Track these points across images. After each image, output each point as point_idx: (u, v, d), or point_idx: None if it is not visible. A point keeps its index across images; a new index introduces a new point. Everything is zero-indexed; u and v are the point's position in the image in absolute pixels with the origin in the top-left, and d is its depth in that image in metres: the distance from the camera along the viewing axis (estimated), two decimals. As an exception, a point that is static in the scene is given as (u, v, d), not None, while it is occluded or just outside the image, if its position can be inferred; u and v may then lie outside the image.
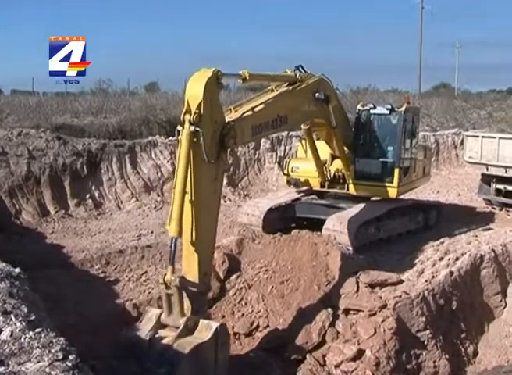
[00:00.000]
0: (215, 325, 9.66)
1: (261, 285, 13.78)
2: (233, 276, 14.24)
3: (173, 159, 23.72)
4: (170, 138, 24.94)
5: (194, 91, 9.74)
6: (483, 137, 22.51)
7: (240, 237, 15.76)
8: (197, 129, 9.59)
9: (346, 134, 16.94)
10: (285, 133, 20.16)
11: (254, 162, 26.26)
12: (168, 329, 9.60)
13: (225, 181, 24.27)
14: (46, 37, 16.80)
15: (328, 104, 15.20)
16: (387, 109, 17.39)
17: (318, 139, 16.98)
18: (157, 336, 9.43)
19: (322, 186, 17.66)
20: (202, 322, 9.61)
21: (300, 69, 14.15)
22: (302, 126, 16.32)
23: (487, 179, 22.73)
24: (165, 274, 9.52)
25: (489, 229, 19.36)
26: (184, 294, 9.55)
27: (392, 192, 17.15)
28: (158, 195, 22.84)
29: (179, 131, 9.82)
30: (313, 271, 13.60)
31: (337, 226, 15.92)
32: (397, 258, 15.87)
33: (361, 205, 17.02)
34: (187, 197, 9.78)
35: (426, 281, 13.93)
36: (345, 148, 17.05)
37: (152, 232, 18.47)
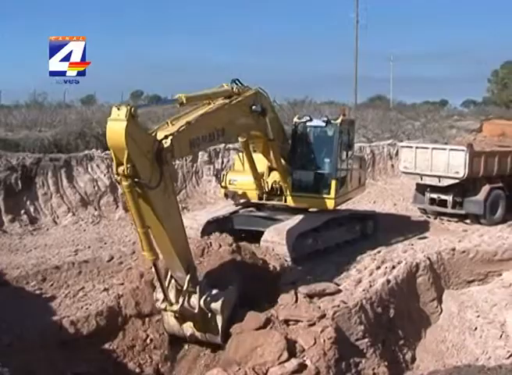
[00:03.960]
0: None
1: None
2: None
3: (110, 173, 23.44)
4: (107, 152, 24.63)
5: (117, 145, 9.65)
6: (417, 147, 22.98)
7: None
8: (136, 179, 9.77)
9: (283, 146, 17.06)
10: (222, 146, 20.22)
11: (191, 174, 26.12)
12: None
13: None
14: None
15: (265, 116, 15.29)
16: (323, 121, 17.57)
17: (254, 151, 17.04)
18: None
19: (260, 198, 17.70)
20: None
21: (237, 82, 14.21)
22: (239, 138, 16.35)
23: (421, 188, 23.19)
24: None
25: (424, 237, 19.78)
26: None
27: (330, 203, 17.32)
28: (95, 209, 22.50)
29: (117, 181, 10.03)
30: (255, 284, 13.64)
31: (275, 237, 16.01)
32: (335, 268, 16.04)
33: (299, 217, 17.16)
34: (153, 226, 10.49)
35: (364, 290, 14.12)
36: (282, 160, 17.15)
37: (89, 247, 18.16)
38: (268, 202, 17.83)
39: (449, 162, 21.46)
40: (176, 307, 11.82)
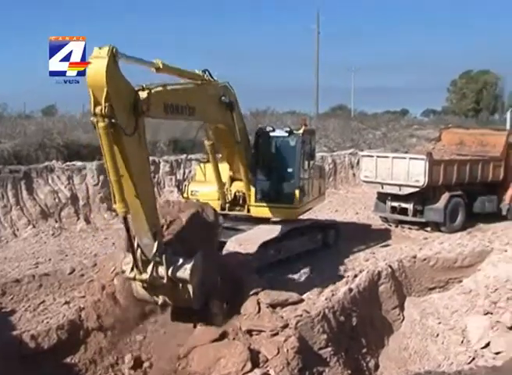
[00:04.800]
0: None
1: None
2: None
3: (71, 184, 23.24)
4: (67, 163, 24.45)
5: (96, 82, 9.65)
6: (378, 156, 23.26)
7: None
8: (112, 121, 9.72)
9: (247, 155, 17.08)
10: (184, 156, 20.14)
11: (153, 185, 25.97)
12: None
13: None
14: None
15: (233, 111, 15.34)
16: (286, 132, 17.69)
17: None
18: None
19: (223, 208, 17.67)
20: None
21: (207, 73, 14.21)
22: (206, 142, 16.35)
23: (382, 197, 23.43)
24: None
25: (386, 245, 19.99)
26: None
27: (293, 213, 17.46)
28: (56, 222, 22.24)
29: (93, 123, 9.87)
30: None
31: (237, 248, 15.98)
32: (297, 277, 16.08)
33: (261, 227, 17.18)
34: (124, 177, 10.32)
35: (326, 299, 14.15)
36: (246, 169, 17.15)
37: (50, 260, 17.92)
38: (230, 213, 17.80)
39: (409, 171, 21.73)
40: (145, 276, 11.68)
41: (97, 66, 9.69)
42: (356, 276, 15.76)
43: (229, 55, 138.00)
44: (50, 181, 23.42)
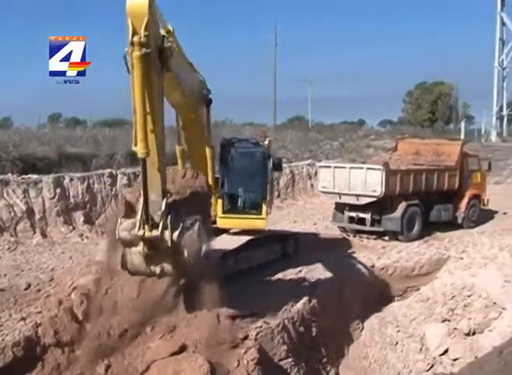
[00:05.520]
0: None
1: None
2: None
3: (27, 198, 22.86)
4: (23, 176, 24.07)
5: (138, 9, 9.55)
6: (335, 167, 23.43)
7: (98, 276, 15.39)
8: (148, 51, 9.62)
9: (213, 164, 17.09)
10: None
11: (110, 198, 25.69)
12: None
13: (81, 219, 23.74)
14: None
15: (209, 106, 15.35)
16: (252, 143, 17.95)
17: None
18: None
19: None
20: None
21: None
22: (177, 147, 16.23)
23: (340, 207, 23.60)
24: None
25: (345, 255, 20.06)
26: None
27: (261, 223, 17.47)
28: (12, 236, 21.81)
29: (126, 55, 9.75)
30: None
31: (197, 259, 15.88)
32: (257, 288, 16.05)
33: (220, 238, 17.12)
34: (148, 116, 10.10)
35: (286, 310, 14.18)
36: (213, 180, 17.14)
37: (5, 275, 17.53)
38: None
39: (366, 181, 21.93)
40: (155, 232, 10.94)
41: None
42: (315, 286, 15.82)
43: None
44: (5, 195, 22.98)
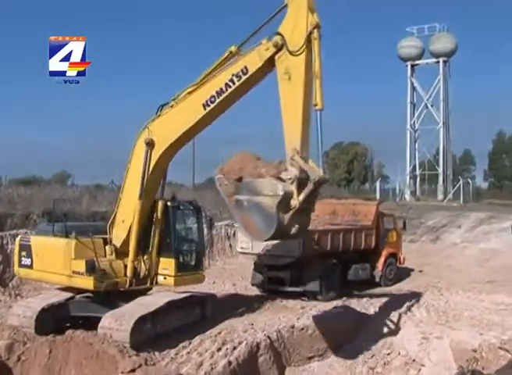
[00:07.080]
0: None
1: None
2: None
3: None
4: None
5: None
6: (253, 227, 23.38)
7: (10, 341, 14.75)
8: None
9: None
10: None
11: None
12: None
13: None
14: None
15: (153, 150, 15.80)
16: (186, 202, 18.70)
17: None
18: None
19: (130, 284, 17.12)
20: None
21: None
22: None
23: (259, 268, 23.50)
24: None
25: (264, 316, 19.85)
26: None
27: (202, 278, 18.53)
28: None
29: None
30: (92, 373, 13.01)
31: (112, 323, 15.45)
32: (176, 352, 15.60)
33: (137, 301, 16.73)
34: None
35: (205, 373, 13.85)
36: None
37: None
38: (137, 287, 17.31)
39: (284, 242, 21.93)
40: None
41: None
42: (235, 348, 15.50)
43: (65, 124, 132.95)
44: None
